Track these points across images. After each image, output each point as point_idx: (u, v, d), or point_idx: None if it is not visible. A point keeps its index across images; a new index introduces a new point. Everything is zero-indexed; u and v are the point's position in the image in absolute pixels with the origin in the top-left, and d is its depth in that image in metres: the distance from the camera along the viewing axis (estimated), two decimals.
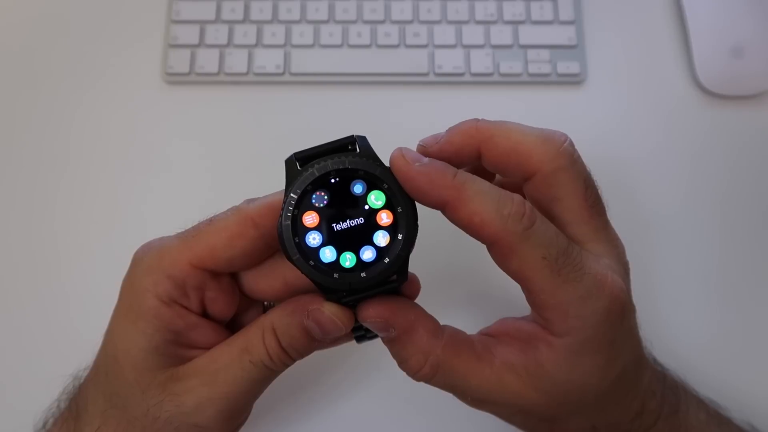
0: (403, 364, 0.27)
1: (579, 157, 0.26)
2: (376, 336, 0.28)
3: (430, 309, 0.27)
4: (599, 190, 0.27)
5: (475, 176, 0.24)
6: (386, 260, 0.24)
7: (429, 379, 0.26)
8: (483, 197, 0.23)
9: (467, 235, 0.24)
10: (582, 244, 0.26)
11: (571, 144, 0.26)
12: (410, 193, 0.24)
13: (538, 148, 0.25)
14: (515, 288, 0.25)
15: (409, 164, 0.24)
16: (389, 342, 0.27)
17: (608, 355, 0.25)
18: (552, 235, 0.24)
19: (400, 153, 0.24)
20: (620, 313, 0.25)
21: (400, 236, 0.24)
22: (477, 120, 0.26)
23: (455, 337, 0.27)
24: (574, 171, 0.25)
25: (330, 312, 0.26)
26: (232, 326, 0.30)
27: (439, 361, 0.26)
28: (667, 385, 0.30)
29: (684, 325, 0.43)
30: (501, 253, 0.24)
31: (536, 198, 0.26)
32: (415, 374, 0.26)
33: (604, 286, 0.24)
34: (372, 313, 0.25)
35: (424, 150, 0.26)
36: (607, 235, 0.27)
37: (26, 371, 0.41)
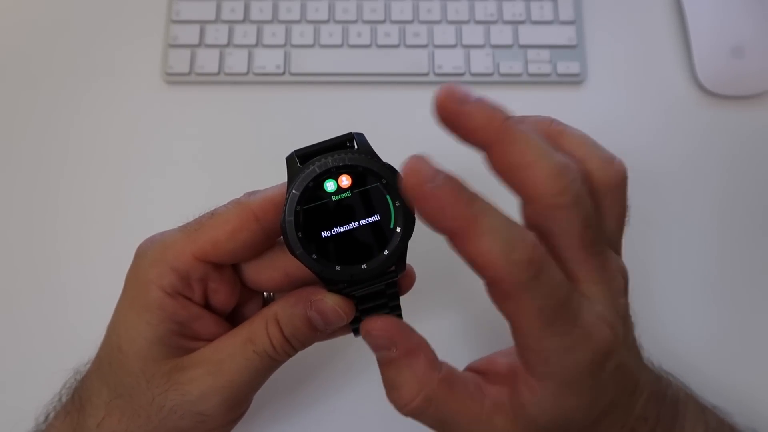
0: (393, 391, 0.25)
1: (583, 196, 0.23)
2: None
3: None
4: (627, 217, 0.25)
5: (490, 206, 0.21)
6: (385, 252, 0.25)
7: (418, 414, 0.25)
8: (493, 236, 0.20)
9: None
10: (577, 283, 0.24)
11: (583, 182, 0.23)
12: (419, 213, 0.21)
13: (542, 180, 0.22)
14: None
15: (421, 184, 0.20)
16: (385, 363, 0.26)
17: (592, 396, 0.24)
18: (555, 285, 0.22)
19: (411, 168, 0.20)
20: (603, 361, 0.23)
21: (398, 229, 0.25)
22: (506, 118, 0.22)
23: (452, 372, 0.26)
24: (573, 210, 0.23)
25: (333, 302, 0.26)
26: (232, 318, 0.30)
27: (434, 395, 0.24)
28: (666, 403, 0.29)
29: (681, 326, 0.42)
30: (498, 294, 0.22)
31: (533, 223, 0.24)
32: (405, 405, 0.25)
33: (590, 338, 0.23)
34: (379, 325, 0.25)
35: (443, 97, 0.22)
36: (603, 275, 0.24)
37: (27, 368, 0.41)
